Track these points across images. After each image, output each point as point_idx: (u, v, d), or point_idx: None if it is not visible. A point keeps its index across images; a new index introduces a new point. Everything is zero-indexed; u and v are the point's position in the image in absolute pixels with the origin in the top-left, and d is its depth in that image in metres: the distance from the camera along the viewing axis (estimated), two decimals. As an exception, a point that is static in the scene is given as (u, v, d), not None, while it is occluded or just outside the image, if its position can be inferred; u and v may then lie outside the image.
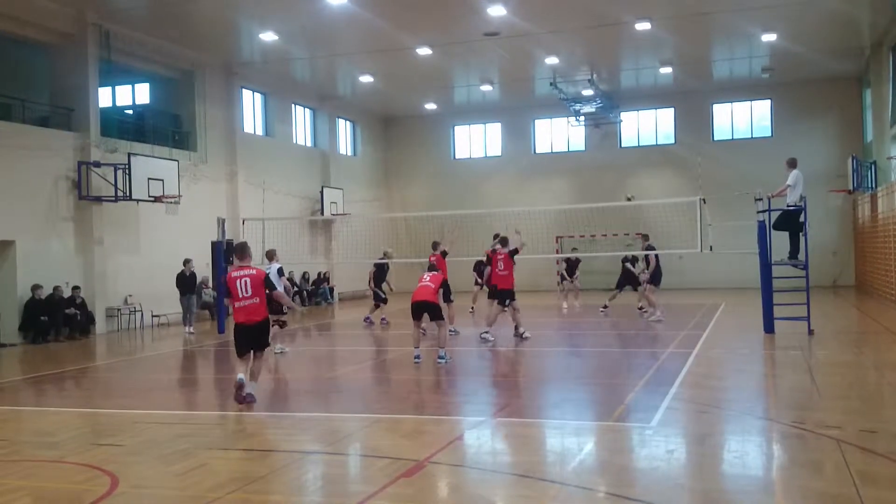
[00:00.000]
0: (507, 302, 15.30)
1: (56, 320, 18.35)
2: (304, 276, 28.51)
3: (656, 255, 18.57)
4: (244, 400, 9.53)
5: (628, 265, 20.50)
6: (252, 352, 9.88)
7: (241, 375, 9.63)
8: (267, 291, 9.85)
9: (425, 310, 12.77)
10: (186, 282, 19.90)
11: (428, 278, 13.03)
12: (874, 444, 7.04)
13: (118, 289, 20.75)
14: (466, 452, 7.44)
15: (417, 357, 12.66)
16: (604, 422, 8.45)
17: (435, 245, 17.10)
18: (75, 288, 19.08)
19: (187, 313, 19.86)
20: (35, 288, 17.98)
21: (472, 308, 21.34)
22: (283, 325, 14.41)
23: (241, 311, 9.78)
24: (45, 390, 12.14)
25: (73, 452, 7.56)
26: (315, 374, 12.64)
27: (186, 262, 19.96)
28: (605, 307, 20.72)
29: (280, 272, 14.12)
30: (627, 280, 20.49)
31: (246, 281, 9.72)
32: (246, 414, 9.44)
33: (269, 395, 10.70)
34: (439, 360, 12.41)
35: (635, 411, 8.91)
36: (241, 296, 9.73)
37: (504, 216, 23.53)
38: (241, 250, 10.18)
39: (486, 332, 15.21)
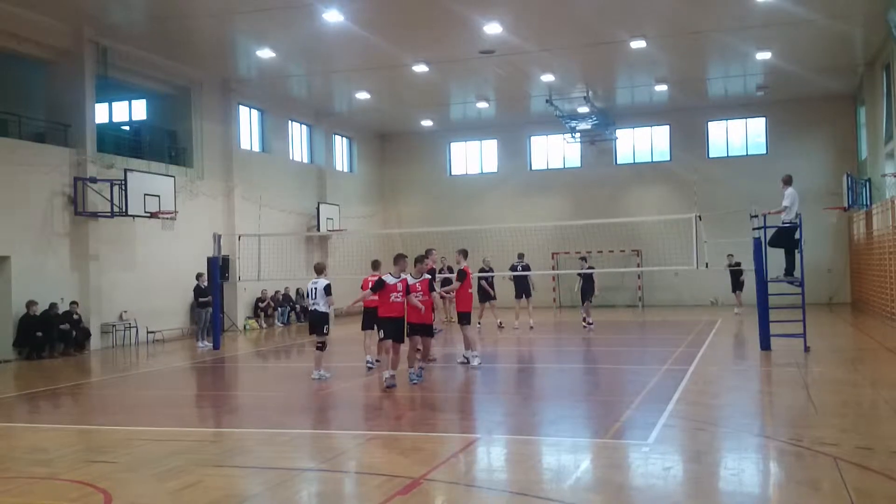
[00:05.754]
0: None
1: (51, 336, 18.28)
2: (299, 292, 28.42)
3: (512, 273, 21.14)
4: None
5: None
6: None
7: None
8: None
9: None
10: (204, 294, 19.85)
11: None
12: (870, 462, 7.03)
13: (113, 305, 20.65)
14: (463, 470, 7.41)
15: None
16: (600, 439, 8.43)
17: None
18: (73, 303, 19.02)
19: (203, 327, 19.79)
20: (29, 304, 17.91)
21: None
22: None
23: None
24: (38, 407, 12.08)
25: (67, 469, 7.51)
26: (310, 391, 12.58)
27: (199, 276, 19.99)
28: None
29: None
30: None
31: (398, 284, 12.28)
32: (240, 431, 9.43)
33: (263, 411, 10.66)
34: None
35: (632, 428, 8.90)
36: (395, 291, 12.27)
37: (500, 232, 23.61)
38: (397, 260, 12.67)
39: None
